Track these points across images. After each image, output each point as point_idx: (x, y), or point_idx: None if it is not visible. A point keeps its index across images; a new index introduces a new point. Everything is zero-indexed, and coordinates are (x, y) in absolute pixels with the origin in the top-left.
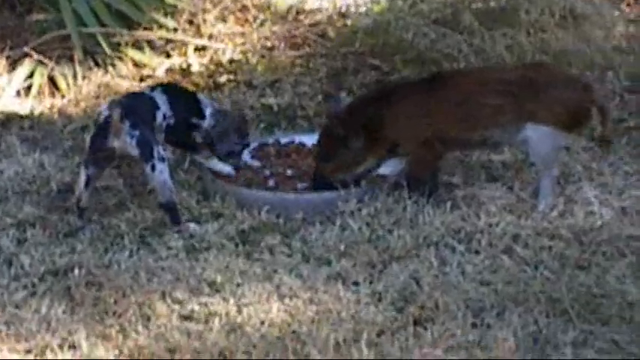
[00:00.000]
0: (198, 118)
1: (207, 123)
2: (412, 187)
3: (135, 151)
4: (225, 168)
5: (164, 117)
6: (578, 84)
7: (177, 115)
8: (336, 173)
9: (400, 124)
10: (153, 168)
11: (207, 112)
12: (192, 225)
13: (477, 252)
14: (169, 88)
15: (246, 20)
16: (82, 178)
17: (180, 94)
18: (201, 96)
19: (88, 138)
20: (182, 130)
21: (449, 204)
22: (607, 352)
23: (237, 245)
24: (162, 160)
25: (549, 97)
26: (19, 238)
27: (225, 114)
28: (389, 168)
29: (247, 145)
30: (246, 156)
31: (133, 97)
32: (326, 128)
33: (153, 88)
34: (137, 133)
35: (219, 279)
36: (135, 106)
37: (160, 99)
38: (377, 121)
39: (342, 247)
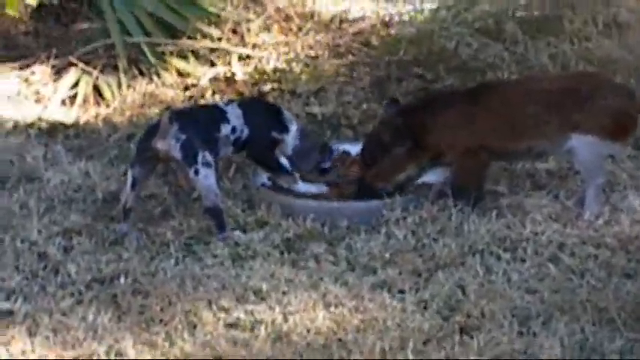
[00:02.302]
0: (279, 132)
1: (291, 139)
2: (457, 196)
3: (178, 154)
4: (312, 189)
5: (233, 130)
6: (622, 92)
7: (253, 130)
8: (379, 179)
9: (445, 133)
10: (196, 172)
11: (293, 128)
12: (237, 233)
13: (523, 260)
14: (247, 103)
15: (290, 29)
16: (129, 179)
17: (259, 109)
18: (285, 112)
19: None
20: (262, 145)
21: (494, 212)
22: None
23: (282, 253)
24: (208, 165)
25: (594, 107)
26: (66, 247)
27: (307, 131)
28: (434, 176)
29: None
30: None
31: (198, 106)
32: (371, 134)
33: (229, 102)
34: (183, 136)
35: (264, 287)
36: (193, 114)
37: (233, 112)
38: (422, 129)
39: (387, 256)
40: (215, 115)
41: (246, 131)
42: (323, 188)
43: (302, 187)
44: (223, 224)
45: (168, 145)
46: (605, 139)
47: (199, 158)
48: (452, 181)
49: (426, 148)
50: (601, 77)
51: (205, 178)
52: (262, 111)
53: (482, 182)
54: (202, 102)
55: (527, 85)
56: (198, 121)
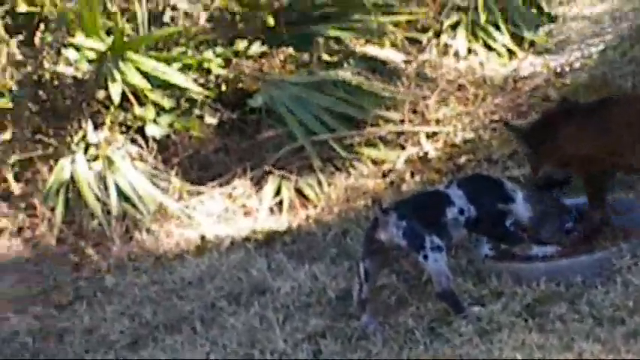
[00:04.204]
0: (505, 203)
1: (520, 207)
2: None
3: (402, 242)
4: (548, 249)
5: (461, 212)
6: None
7: (479, 207)
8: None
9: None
10: (425, 258)
11: (518, 196)
12: (476, 308)
13: None
14: (466, 182)
15: (467, 99)
16: (361, 270)
17: (480, 185)
18: (507, 182)
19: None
20: (491, 220)
21: None
22: None
23: (526, 320)
24: (438, 249)
25: None
26: (314, 351)
27: (540, 197)
28: None
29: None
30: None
31: (419, 194)
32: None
33: (449, 184)
34: (404, 224)
35: (519, 357)
36: (411, 202)
37: (455, 194)
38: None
39: (630, 304)
40: (437, 199)
41: (472, 210)
42: (555, 249)
43: (536, 250)
44: (458, 305)
45: (391, 234)
46: None
47: (427, 243)
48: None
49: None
50: None
51: (435, 262)
52: (483, 186)
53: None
54: (404, 186)
55: None
56: (418, 207)
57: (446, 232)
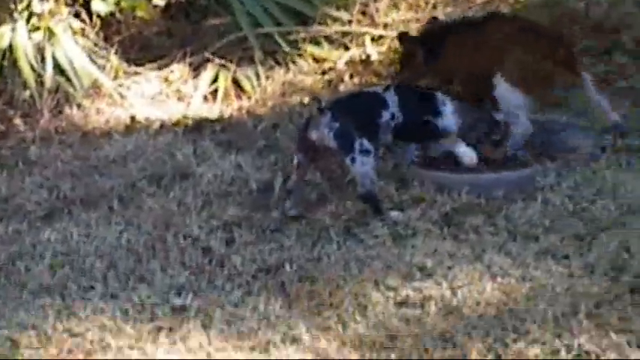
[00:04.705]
0: (432, 116)
1: (447, 121)
2: None
3: (332, 143)
4: (468, 153)
5: (392, 117)
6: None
7: (406, 115)
8: None
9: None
10: (353, 160)
11: (447, 109)
12: (395, 213)
13: None
14: (402, 89)
15: (419, 6)
16: (294, 162)
17: (412, 95)
18: (439, 96)
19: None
20: (414, 129)
21: None
22: None
23: (442, 228)
24: (367, 152)
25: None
26: (227, 239)
27: (469, 108)
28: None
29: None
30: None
31: (354, 94)
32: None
33: (387, 87)
34: (336, 125)
35: (429, 263)
36: (347, 102)
37: (391, 99)
38: None
39: (546, 223)
40: (374, 101)
41: (401, 117)
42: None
43: (462, 147)
44: (379, 209)
45: (323, 134)
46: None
47: (357, 145)
48: None
49: None
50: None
51: (362, 165)
52: (416, 97)
53: None
54: (341, 86)
55: None
56: (354, 107)
57: (377, 135)
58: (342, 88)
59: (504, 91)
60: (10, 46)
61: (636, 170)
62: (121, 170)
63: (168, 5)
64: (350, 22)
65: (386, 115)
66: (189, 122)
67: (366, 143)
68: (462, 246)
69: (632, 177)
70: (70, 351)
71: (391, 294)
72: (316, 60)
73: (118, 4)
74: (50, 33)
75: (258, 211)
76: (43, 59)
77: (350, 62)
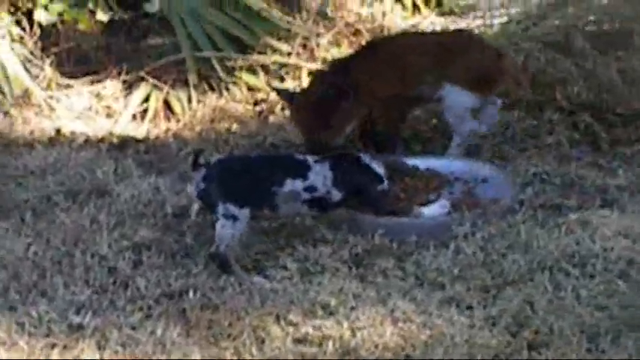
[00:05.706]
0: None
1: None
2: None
3: (198, 201)
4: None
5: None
6: (490, 52)
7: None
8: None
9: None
10: (216, 220)
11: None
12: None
13: (592, 276)
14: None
15: (359, 43)
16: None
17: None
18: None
19: None
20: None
21: (563, 228)
22: None
23: (350, 269)
24: (232, 218)
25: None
26: (135, 261)
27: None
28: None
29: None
30: None
31: (263, 157)
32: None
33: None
34: (202, 185)
35: (333, 302)
36: (240, 163)
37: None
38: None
39: (455, 271)
40: (280, 166)
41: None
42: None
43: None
44: (225, 267)
45: (192, 190)
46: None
47: (220, 210)
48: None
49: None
50: (473, 37)
51: (221, 227)
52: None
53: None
54: (271, 117)
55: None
56: (240, 170)
57: (270, 203)
58: (271, 119)
59: (454, 94)
60: None
61: (551, 227)
62: (38, 182)
63: (111, 21)
64: (289, 54)
65: (295, 185)
66: (115, 140)
67: (232, 209)
68: (368, 288)
69: (546, 233)
70: None
71: (291, 329)
72: (251, 89)
73: (61, 14)
74: None
75: (171, 235)
76: None
77: None
